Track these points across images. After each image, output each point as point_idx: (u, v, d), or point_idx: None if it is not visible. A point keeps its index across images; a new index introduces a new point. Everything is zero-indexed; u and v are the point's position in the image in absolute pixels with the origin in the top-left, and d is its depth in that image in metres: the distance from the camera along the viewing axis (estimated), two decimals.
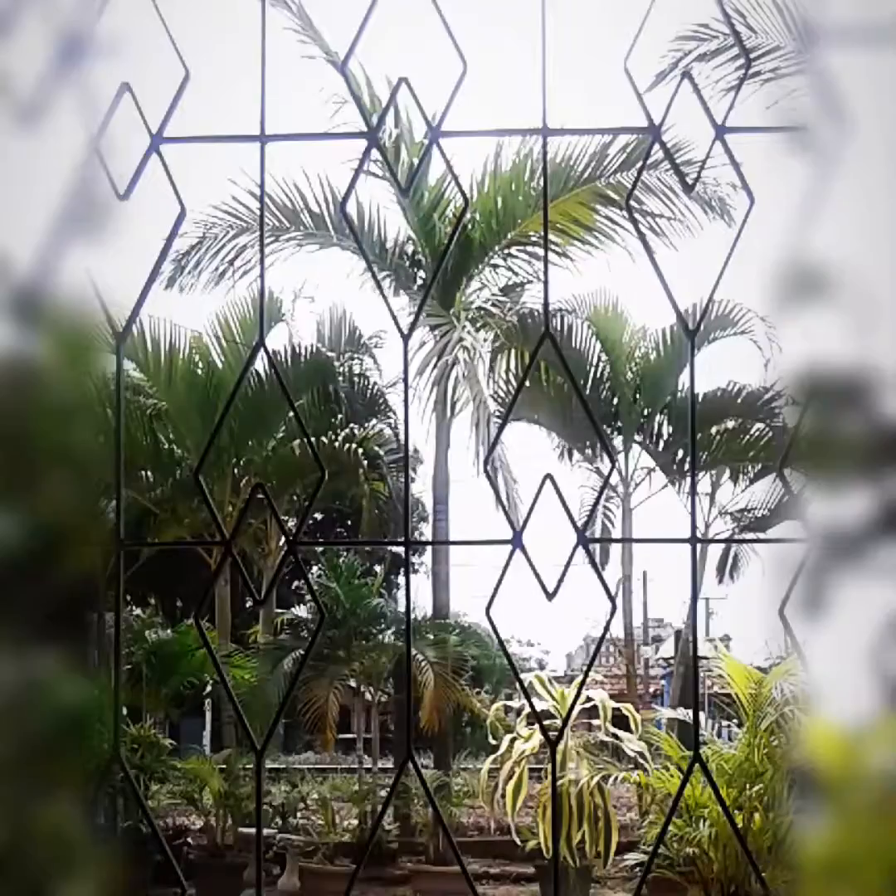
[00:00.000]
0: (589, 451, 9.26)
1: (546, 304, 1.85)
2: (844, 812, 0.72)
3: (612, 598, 0.92)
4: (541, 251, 7.72)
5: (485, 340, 7.70)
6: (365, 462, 7.78)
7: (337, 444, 7.62)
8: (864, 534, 0.71)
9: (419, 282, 7.92)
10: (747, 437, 8.89)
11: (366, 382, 8.71)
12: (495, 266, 7.94)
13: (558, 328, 8.55)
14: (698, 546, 0.87)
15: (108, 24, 0.81)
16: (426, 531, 9.77)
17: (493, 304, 7.67)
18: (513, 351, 8.26)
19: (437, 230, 7.60)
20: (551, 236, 7.56)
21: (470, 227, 7.57)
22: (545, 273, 2.00)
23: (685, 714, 6.19)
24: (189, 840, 6.87)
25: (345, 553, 7.68)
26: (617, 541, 9.76)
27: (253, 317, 7.75)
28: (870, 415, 0.73)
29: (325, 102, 7.15)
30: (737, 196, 7.09)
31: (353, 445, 7.65)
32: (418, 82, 0.93)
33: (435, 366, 7.40)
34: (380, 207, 7.76)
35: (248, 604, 10.36)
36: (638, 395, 8.99)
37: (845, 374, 0.73)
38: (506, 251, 7.84)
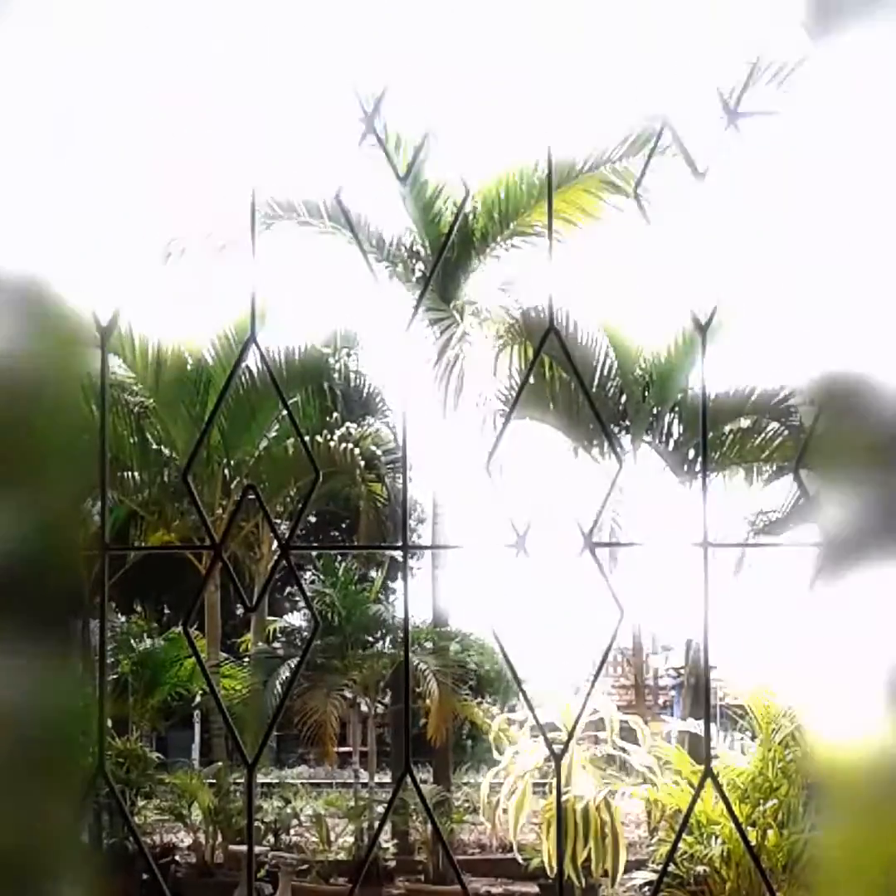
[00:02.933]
0: (596, 451, 9.05)
1: (550, 303, 1.68)
2: (844, 814, 0.70)
3: (620, 605, 0.87)
4: (543, 241, 7.54)
5: (487, 336, 7.51)
6: (362, 463, 7.57)
7: (332, 443, 7.41)
8: (868, 534, 0.69)
9: (418, 274, 7.74)
10: (762, 436, 8.67)
11: (362, 379, 8.51)
12: (497, 257, 7.76)
13: (563, 324, 8.36)
14: (709, 550, 0.84)
15: None
16: (425, 533, 9.56)
17: (487, 301, 7.50)
18: (515, 348, 8.06)
19: (436, 221, 7.43)
20: (556, 226, 7.39)
21: (471, 218, 7.41)
22: (549, 271, 1.79)
23: (696, 726, 5.97)
24: (177, 858, 6.66)
25: (341, 558, 7.47)
26: (625, 545, 9.55)
27: (245, 311, 7.55)
28: (882, 417, 0.70)
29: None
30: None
31: (350, 445, 7.44)
32: (418, 78, 0.79)
33: (436, 362, 7.20)
34: (378, 199, 7.60)
35: (240, 611, 10.13)
36: (647, 393, 8.78)
37: (860, 376, 0.71)
38: (509, 242, 7.67)
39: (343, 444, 7.45)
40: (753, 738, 5.23)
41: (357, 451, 7.49)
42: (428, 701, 6.71)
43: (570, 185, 7.23)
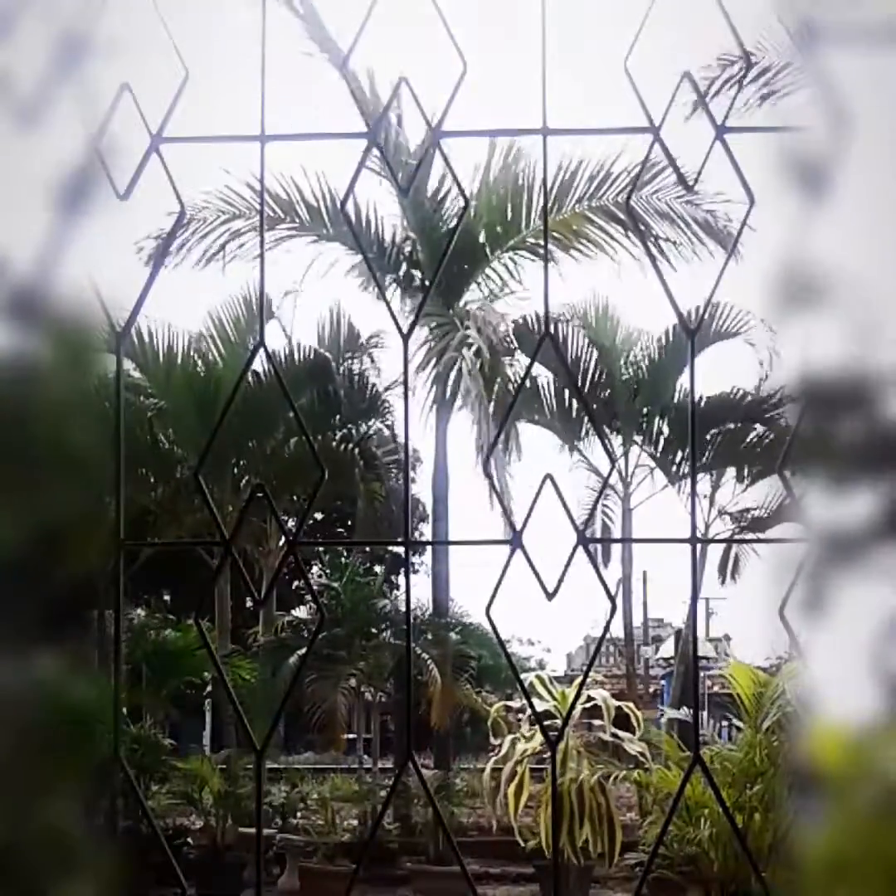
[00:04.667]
0: (589, 451, 9.28)
1: (546, 305, 1.85)
2: (846, 812, 0.72)
3: (612, 598, 0.92)
4: (542, 254, 7.73)
5: (485, 342, 7.69)
6: (362, 462, 7.77)
7: (335, 443, 7.61)
8: (864, 534, 0.72)
9: (416, 283, 7.92)
10: (748, 440, 8.91)
11: (365, 382, 8.71)
12: (496, 268, 7.95)
13: (556, 330, 8.57)
14: (698, 546, 0.87)
15: (108, 24, 0.81)
16: (426, 531, 9.79)
17: (484, 309, 7.67)
18: (510, 355, 8.25)
19: (437, 230, 7.61)
20: (553, 244, 7.59)
21: (473, 227, 7.59)
22: (545, 273, 2.00)
23: (686, 713, 6.19)
24: (189, 840, 6.87)
25: (346, 553, 7.68)
26: (617, 541, 9.79)
27: (245, 315, 7.75)
28: (870, 417, 0.73)
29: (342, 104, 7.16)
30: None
31: (350, 445, 7.64)
32: (419, 82, 0.93)
33: (435, 365, 7.41)
34: (377, 207, 7.79)
35: (249, 604, 10.37)
36: (636, 396, 9.02)
37: (845, 377, 0.73)
38: (507, 255, 7.87)
39: (343, 445, 7.66)
40: (738, 730, 5.43)
41: (357, 451, 7.71)
42: (431, 689, 6.95)
43: (568, 211, 7.42)
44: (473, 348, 7.17)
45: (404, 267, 7.91)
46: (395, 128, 7.19)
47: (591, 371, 8.94)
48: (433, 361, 7.43)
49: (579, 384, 8.69)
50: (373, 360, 8.74)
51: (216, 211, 7.64)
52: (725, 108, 0.89)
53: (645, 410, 9.05)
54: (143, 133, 0.86)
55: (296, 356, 8.23)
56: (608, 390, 9.03)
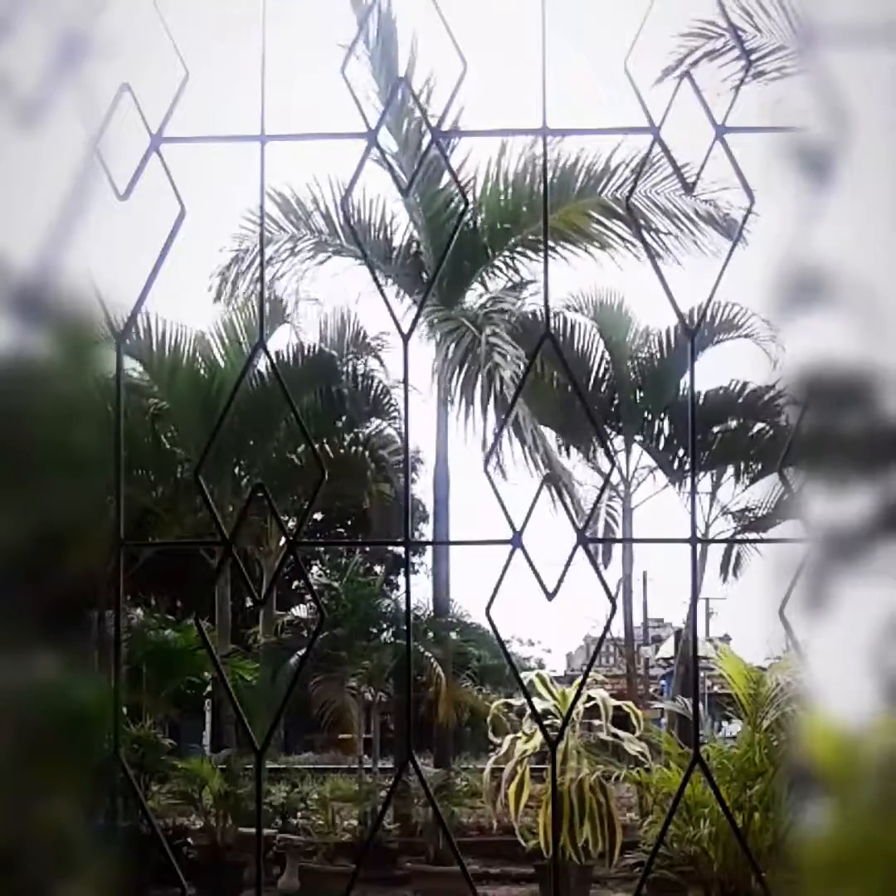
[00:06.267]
0: (589, 450, 9.27)
1: (546, 305, 1.85)
2: (845, 811, 0.72)
3: (612, 598, 0.92)
4: (554, 252, 7.73)
5: (489, 341, 7.70)
6: (372, 464, 7.78)
7: (342, 445, 7.61)
8: (865, 534, 0.72)
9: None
10: (749, 436, 8.90)
11: (371, 383, 8.70)
12: (499, 266, 7.96)
13: (561, 326, 8.59)
14: (698, 546, 0.88)
15: (108, 24, 0.81)
16: (427, 531, 9.79)
17: (493, 305, 7.68)
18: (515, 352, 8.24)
19: (444, 231, 7.62)
20: (558, 240, 7.60)
21: (477, 226, 7.60)
22: (545, 273, 2.00)
23: (684, 706, 6.19)
24: (189, 840, 6.87)
25: (347, 553, 7.69)
26: (617, 541, 9.80)
27: (257, 317, 7.77)
28: (871, 414, 0.73)
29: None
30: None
31: (360, 447, 7.64)
32: (429, 83, 0.93)
33: (439, 366, 7.41)
34: (388, 209, 7.81)
35: (249, 604, 10.37)
36: (640, 395, 9.01)
37: (847, 374, 0.73)
38: (513, 252, 7.87)
39: (353, 448, 7.66)
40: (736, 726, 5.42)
41: (367, 452, 7.71)
42: (432, 689, 6.97)
43: (569, 206, 7.43)
44: (509, 356, 7.15)
45: (414, 270, 7.91)
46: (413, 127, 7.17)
47: (596, 367, 8.93)
48: (438, 363, 7.43)
49: (584, 382, 8.68)
50: (381, 362, 8.72)
51: (256, 238, 7.70)
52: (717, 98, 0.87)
53: (648, 411, 9.04)
54: (143, 133, 0.86)
55: (302, 356, 8.23)
56: (614, 387, 9.01)
